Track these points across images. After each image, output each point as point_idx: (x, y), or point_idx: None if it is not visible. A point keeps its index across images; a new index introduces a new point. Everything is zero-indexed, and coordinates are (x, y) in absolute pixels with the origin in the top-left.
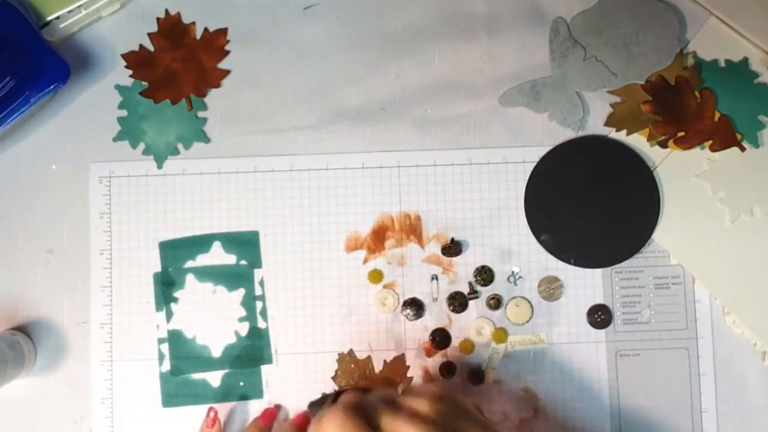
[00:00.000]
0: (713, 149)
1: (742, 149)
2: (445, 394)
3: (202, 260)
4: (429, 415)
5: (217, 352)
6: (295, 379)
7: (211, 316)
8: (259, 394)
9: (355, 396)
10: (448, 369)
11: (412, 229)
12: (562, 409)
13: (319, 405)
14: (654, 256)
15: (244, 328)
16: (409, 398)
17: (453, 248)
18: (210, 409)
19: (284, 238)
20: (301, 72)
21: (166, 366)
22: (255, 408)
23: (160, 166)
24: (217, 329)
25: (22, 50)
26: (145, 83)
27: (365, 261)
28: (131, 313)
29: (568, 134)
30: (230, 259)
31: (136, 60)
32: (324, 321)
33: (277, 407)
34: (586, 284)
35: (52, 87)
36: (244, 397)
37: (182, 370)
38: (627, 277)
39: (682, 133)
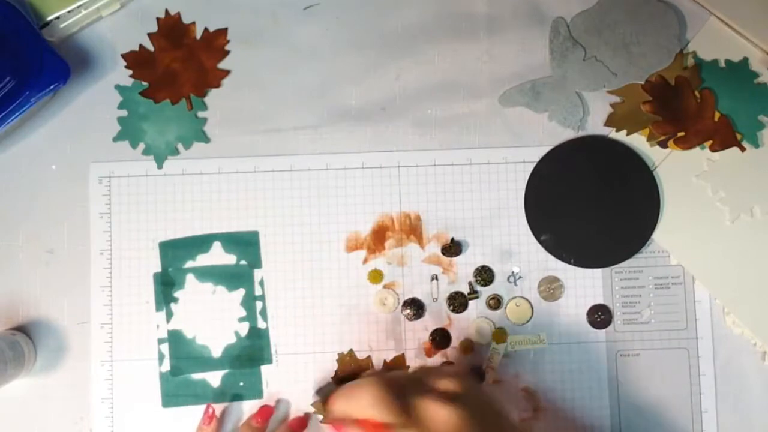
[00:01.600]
0: (713, 149)
1: (742, 149)
2: (466, 375)
3: (202, 260)
4: (455, 393)
5: (217, 352)
6: (295, 379)
7: (211, 316)
8: (258, 394)
9: (379, 373)
10: None
11: (412, 229)
12: (562, 409)
13: (325, 390)
14: (654, 256)
15: (244, 328)
16: (434, 379)
17: (453, 248)
18: (208, 406)
19: (284, 238)
20: (301, 72)
21: (166, 366)
22: (255, 408)
23: (160, 166)
24: (217, 329)
25: (22, 50)
26: (145, 83)
27: (365, 261)
28: (131, 313)
29: (568, 134)
30: (230, 259)
31: (136, 60)
32: (324, 321)
33: (273, 406)
34: (586, 284)
35: (52, 87)
36: (244, 397)
37: (182, 370)
38: (627, 277)
39: (682, 133)
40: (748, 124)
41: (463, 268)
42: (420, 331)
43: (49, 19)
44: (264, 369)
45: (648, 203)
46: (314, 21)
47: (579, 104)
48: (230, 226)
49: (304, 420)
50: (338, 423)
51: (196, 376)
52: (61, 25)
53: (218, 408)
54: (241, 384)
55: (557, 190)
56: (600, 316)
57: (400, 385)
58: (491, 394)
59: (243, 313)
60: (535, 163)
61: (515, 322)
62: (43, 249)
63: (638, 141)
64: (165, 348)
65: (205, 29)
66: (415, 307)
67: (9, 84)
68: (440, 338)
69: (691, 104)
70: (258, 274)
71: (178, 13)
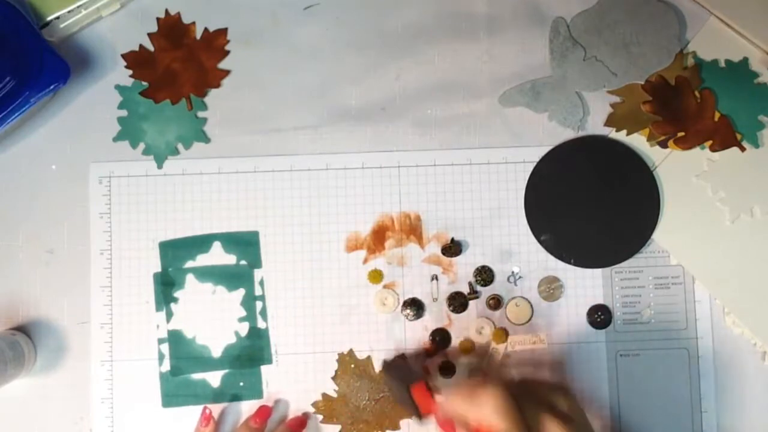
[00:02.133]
0: (713, 149)
1: (742, 149)
2: (572, 392)
3: (202, 260)
4: (568, 415)
5: (217, 352)
6: (295, 379)
7: (211, 316)
8: (258, 394)
9: (495, 377)
10: (448, 369)
11: (412, 229)
12: None
13: (397, 369)
14: (654, 256)
15: (244, 328)
16: (547, 392)
17: (453, 248)
18: (204, 408)
19: (284, 238)
20: (301, 72)
21: (166, 366)
22: (254, 408)
23: (160, 166)
24: (217, 329)
25: (22, 50)
26: (145, 83)
27: (365, 261)
28: (131, 313)
29: (568, 134)
30: (230, 259)
31: (136, 60)
32: (324, 321)
33: (271, 406)
34: (586, 284)
35: (52, 87)
36: (243, 397)
37: (182, 370)
38: (627, 277)
39: (682, 133)
40: (748, 124)
41: (463, 268)
42: (420, 331)
43: (49, 19)
44: (264, 369)
45: (648, 203)
46: (314, 21)
47: (579, 104)
48: (230, 226)
49: (303, 420)
50: (450, 423)
51: (196, 376)
52: (61, 25)
53: (216, 409)
54: (241, 384)
55: (557, 190)
56: (600, 316)
57: (518, 393)
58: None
59: (243, 313)
60: (535, 163)
61: (515, 322)
62: (43, 249)
63: (638, 141)
64: (165, 348)
65: (205, 29)
66: (415, 307)
67: (9, 84)
68: (440, 338)
69: (691, 104)
70: (258, 274)
71: (178, 13)
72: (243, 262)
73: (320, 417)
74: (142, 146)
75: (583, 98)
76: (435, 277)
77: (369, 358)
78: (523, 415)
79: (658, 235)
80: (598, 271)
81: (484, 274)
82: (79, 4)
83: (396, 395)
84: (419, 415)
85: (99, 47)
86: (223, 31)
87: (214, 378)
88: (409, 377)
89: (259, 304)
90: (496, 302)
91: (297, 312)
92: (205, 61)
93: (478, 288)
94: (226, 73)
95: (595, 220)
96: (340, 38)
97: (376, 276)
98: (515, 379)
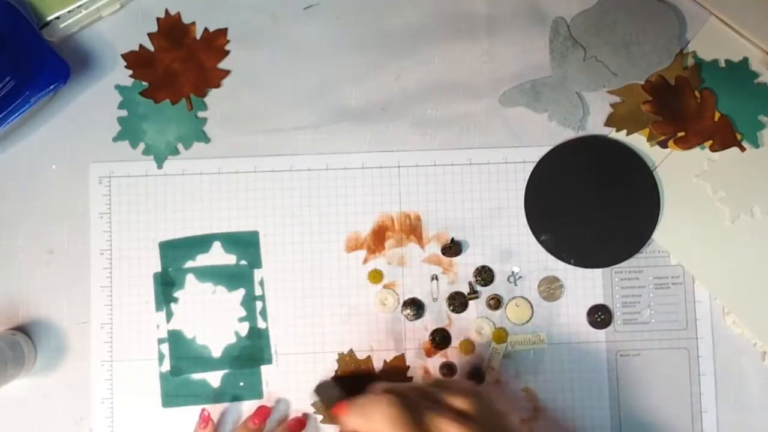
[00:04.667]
0: (713, 149)
1: (742, 149)
2: (481, 393)
3: (202, 260)
4: (470, 414)
5: (217, 352)
6: (295, 379)
7: (211, 316)
8: (258, 395)
9: (392, 388)
10: (448, 369)
11: (412, 229)
12: (562, 409)
13: (325, 390)
14: (654, 256)
15: (244, 328)
16: (448, 396)
17: (453, 248)
18: (203, 409)
19: (284, 238)
20: (301, 72)
21: (166, 366)
22: (254, 408)
23: (160, 166)
24: (217, 329)
25: (22, 50)
26: (145, 83)
27: (365, 261)
28: (131, 313)
29: (568, 134)
30: (230, 259)
31: (136, 60)
32: (324, 321)
33: (270, 407)
34: (586, 284)
35: (52, 87)
36: (243, 398)
37: (182, 370)
38: (627, 277)
39: (682, 133)
40: (748, 124)
41: (463, 268)
42: (420, 331)
43: (49, 19)
44: (264, 369)
45: (648, 203)
46: (314, 21)
47: (579, 104)
48: (230, 226)
49: (302, 420)
50: None
51: (196, 376)
52: (61, 25)
53: (216, 409)
54: (241, 384)
55: (557, 190)
56: (600, 316)
57: (414, 399)
58: (504, 414)
59: (243, 313)
60: (535, 163)
61: (515, 322)
62: (43, 249)
63: (638, 141)
64: (165, 348)
65: (205, 29)
66: (415, 307)
67: (9, 84)
68: (440, 338)
69: (691, 104)
70: (258, 274)
71: (178, 13)
72: (243, 262)
73: (320, 417)
74: (142, 146)
75: (583, 98)
76: (435, 277)
77: (369, 358)
78: (419, 420)
79: (658, 235)
80: (598, 271)
81: (484, 274)
82: (79, 4)
83: (323, 416)
84: None
85: (99, 47)
86: (223, 31)
87: (214, 378)
88: (334, 397)
89: (259, 304)
90: (496, 302)
91: (297, 312)
92: (205, 61)
93: (478, 288)
94: (226, 73)
95: (596, 220)
96: (340, 38)
97: (376, 276)
98: (415, 387)
